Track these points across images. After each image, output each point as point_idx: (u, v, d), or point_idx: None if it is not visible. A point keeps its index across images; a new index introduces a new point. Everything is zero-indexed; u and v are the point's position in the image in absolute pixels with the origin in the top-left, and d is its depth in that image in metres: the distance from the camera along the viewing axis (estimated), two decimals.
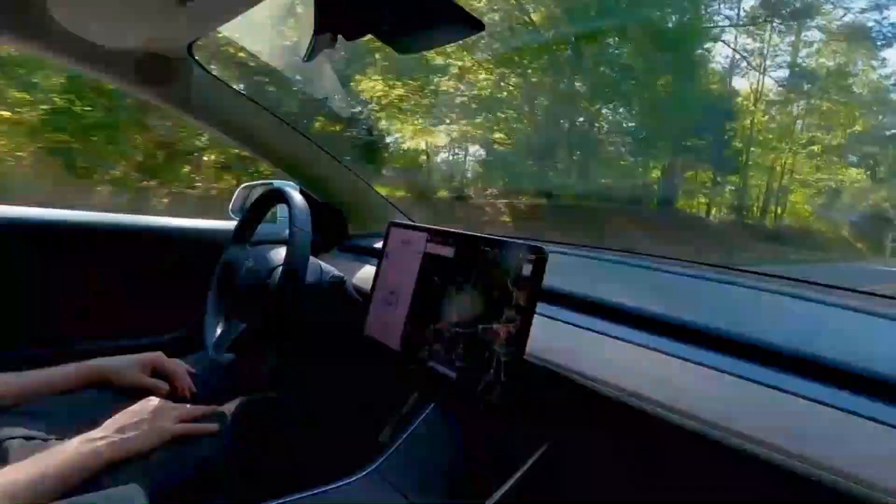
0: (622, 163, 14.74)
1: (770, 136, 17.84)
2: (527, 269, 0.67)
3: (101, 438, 0.69)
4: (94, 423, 0.72)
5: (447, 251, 0.79)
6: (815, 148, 17.78)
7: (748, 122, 17.51)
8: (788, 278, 0.86)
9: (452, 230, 0.81)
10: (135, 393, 0.83)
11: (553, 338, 0.72)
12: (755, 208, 18.91)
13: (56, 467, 0.63)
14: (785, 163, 18.22)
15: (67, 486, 0.63)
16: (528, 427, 0.69)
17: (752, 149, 17.47)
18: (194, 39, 0.90)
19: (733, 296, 0.83)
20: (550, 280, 0.68)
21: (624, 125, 14.18)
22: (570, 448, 0.66)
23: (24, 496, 0.58)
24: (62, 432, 0.70)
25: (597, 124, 13.53)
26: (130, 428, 0.73)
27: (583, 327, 0.75)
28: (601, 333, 0.72)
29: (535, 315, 0.66)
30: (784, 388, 0.53)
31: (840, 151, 18.46)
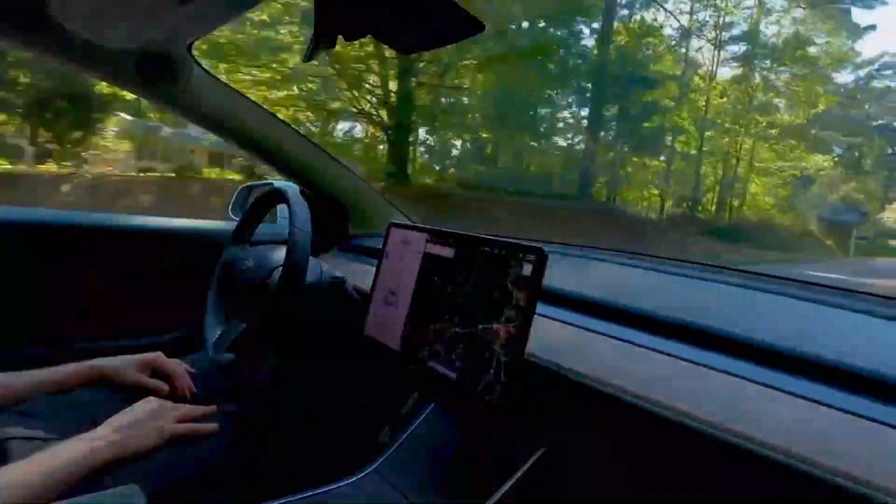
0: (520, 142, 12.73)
1: (725, 117, 15.88)
2: (527, 269, 0.67)
3: (101, 438, 0.69)
4: (94, 423, 0.72)
5: (447, 251, 0.79)
6: (774, 132, 16.09)
7: (702, 101, 15.59)
8: (789, 279, 0.86)
9: (452, 231, 0.81)
10: (135, 393, 0.83)
11: (553, 338, 0.72)
12: (708, 201, 17.02)
13: (56, 467, 0.63)
14: (740, 147, 16.34)
15: (67, 485, 0.62)
16: (528, 427, 0.69)
17: (705, 133, 15.69)
18: (194, 39, 0.90)
19: (733, 296, 0.83)
20: (550, 280, 0.68)
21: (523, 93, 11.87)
22: (570, 448, 0.66)
23: (24, 496, 0.58)
24: (62, 432, 0.70)
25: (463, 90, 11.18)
26: (130, 428, 0.73)
27: (583, 327, 0.75)
28: (601, 333, 0.72)
29: (536, 315, 0.66)
30: (783, 388, 0.53)
31: (802, 134, 16.63)
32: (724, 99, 15.89)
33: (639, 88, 13.45)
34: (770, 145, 16.39)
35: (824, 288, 0.79)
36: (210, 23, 0.84)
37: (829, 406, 0.50)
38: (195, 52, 0.96)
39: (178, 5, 0.72)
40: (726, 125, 15.90)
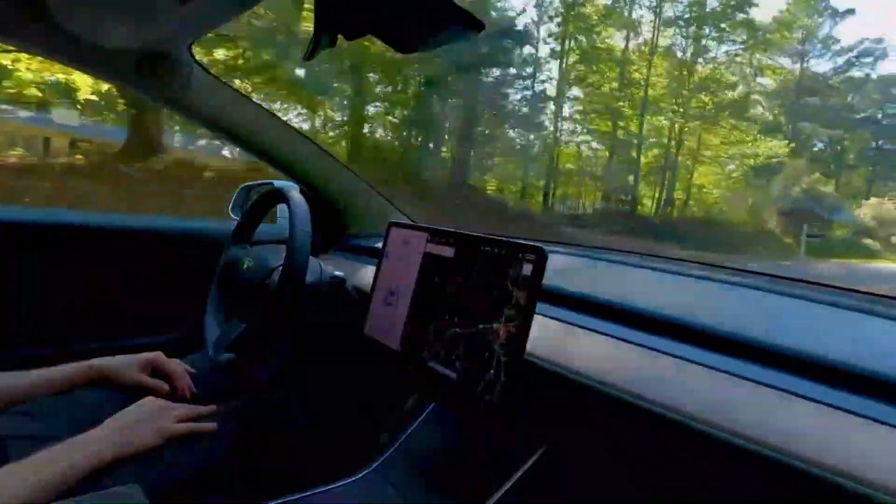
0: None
1: (662, 91, 13.15)
2: (527, 269, 0.67)
3: (101, 438, 0.69)
4: (94, 423, 0.72)
5: (447, 251, 0.79)
6: (712, 109, 13.35)
7: (637, 74, 13.37)
8: (790, 279, 0.86)
9: (452, 230, 0.81)
10: (135, 393, 0.83)
11: (553, 338, 0.72)
12: (648, 197, 14.58)
13: (56, 467, 0.63)
14: (680, 131, 13.56)
15: (67, 485, 0.63)
16: (528, 427, 0.68)
17: (646, 117, 13.50)
18: (194, 39, 0.90)
19: (734, 296, 0.83)
20: (550, 280, 0.68)
21: None
22: (569, 448, 0.66)
23: (24, 496, 0.58)
24: (62, 432, 0.70)
25: None
26: (130, 428, 0.73)
27: (582, 327, 0.75)
28: (601, 333, 0.72)
29: (536, 315, 0.66)
30: (784, 387, 0.53)
31: (743, 112, 14.00)
32: (660, 73, 13.45)
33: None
34: (709, 126, 13.81)
35: (827, 287, 0.79)
36: (210, 22, 0.84)
37: (830, 405, 0.50)
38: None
39: (177, 5, 0.72)
40: (661, 104, 13.58)
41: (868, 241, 17.99)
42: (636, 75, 14.24)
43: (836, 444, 0.45)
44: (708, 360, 0.61)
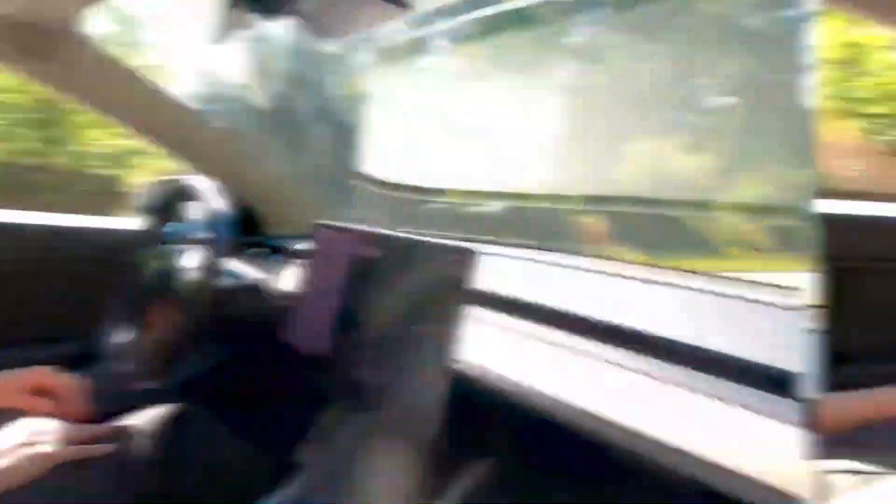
0: None
1: None
2: (457, 271, 0.65)
3: None
4: None
5: (374, 252, 0.77)
6: None
7: None
8: (773, 284, 0.87)
9: (380, 231, 0.78)
10: (10, 416, 0.73)
11: (486, 343, 0.70)
12: None
13: None
14: None
15: None
16: (464, 437, 0.66)
17: None
18: (85, 8, 0.81)
19: (687, 301, 0.83)
20: (484, 283, 0.66)
21: None
22: (509, 461, 0.65)
23: None
24: None
25: None
26: (2, 458, 0.65)
27: (518, 332, 0.74)
28: (538, 339, 0.71)
29: (468, 320, 0.64)
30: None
31: None
32: None
33: None
34: None
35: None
36: None
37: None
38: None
39: None
40: None
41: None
42: None
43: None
44: (662, 370, 0.60)
